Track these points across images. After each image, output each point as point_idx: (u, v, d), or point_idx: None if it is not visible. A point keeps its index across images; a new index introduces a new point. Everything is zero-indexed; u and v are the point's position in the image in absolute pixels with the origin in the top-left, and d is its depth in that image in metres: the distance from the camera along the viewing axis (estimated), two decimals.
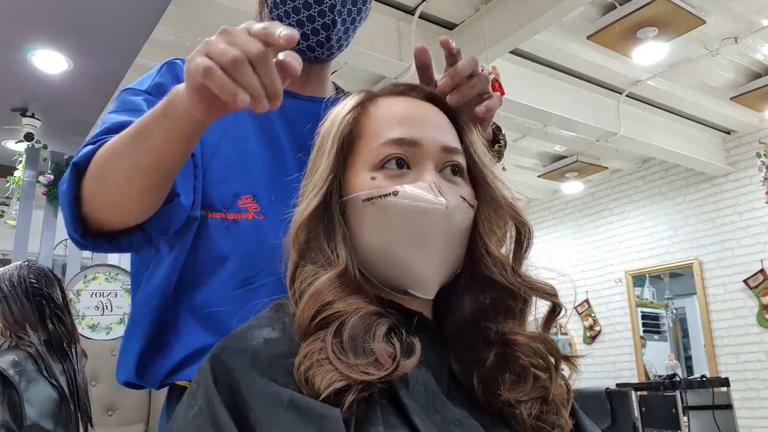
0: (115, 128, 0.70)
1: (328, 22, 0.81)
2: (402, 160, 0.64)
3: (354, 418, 0.52)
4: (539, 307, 0.67)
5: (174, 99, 0.60)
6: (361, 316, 0.57)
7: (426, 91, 0.71)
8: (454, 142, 0.67)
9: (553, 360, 0.64)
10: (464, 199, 0.64)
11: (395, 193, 0.62)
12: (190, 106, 0.56)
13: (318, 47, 0.84)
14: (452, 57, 0.73)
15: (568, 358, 0.66)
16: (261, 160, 0.83)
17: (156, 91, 0.80)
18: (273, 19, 0.83)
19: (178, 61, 0.86)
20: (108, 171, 0.67)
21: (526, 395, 0.61)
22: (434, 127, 0.66)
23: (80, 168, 0.69)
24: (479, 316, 0.65)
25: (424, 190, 0.61)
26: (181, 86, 0.58)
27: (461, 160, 0.67)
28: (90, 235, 0.72)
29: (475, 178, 0.68)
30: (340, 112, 0.68)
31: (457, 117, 0.71)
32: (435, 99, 0.71)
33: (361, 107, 0.68)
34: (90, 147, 0.70)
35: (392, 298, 0.64)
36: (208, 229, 0.79)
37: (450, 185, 0.64)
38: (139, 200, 0.69)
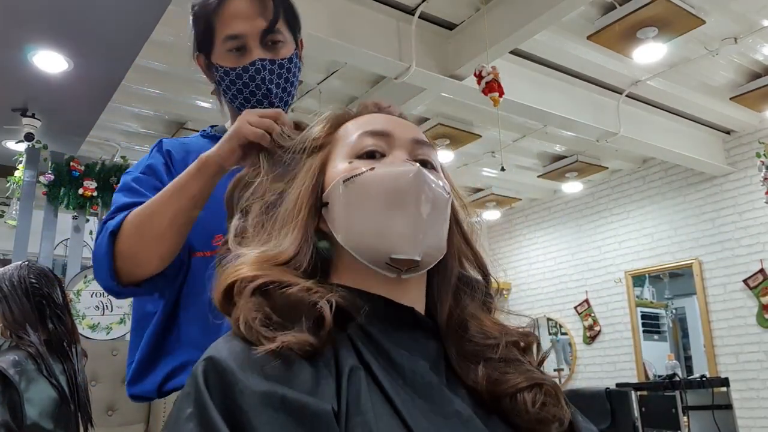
0: (124, 207, 0.96)
1: (265, 92, 1.06)
2: (377, 150, 0.68)
3: (345, 414, 0.52)
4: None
5: (208, 159, 0.89)
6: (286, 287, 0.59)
7: (399, 111, 0.76)
8: (426, 139, 0.72)
9: (536, 352, 0.69)
10: (442, 184, 0.68)
11: (372, 169, 0.66)
12: (227, 157, 0.87)
13: None
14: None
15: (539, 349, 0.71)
16: None
17: (149, 171, 1.05)
18: (230, 99, 1.09)
19: (165, 139, 1.12)
20: (149, 225, 0.91)
21: (524, 382, 0.63)
22: (406, 127, 0.72)
23: (114, 234, 0.92)
24: (468, 309, 0.69)
25: (399, 166, 0.66)
26: (208, 153, 0.90)
27: (434, 157, 0.71)
28: (122, 284, 0.94)
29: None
30: (317, 127, 0.74)
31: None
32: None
33: (337, 121, 0.74)
34: (116, 219, 0.94)
35: (384, 293, 0.64)
36: (192, 267, 0.99)
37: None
38: (173, 243, 0.92)
